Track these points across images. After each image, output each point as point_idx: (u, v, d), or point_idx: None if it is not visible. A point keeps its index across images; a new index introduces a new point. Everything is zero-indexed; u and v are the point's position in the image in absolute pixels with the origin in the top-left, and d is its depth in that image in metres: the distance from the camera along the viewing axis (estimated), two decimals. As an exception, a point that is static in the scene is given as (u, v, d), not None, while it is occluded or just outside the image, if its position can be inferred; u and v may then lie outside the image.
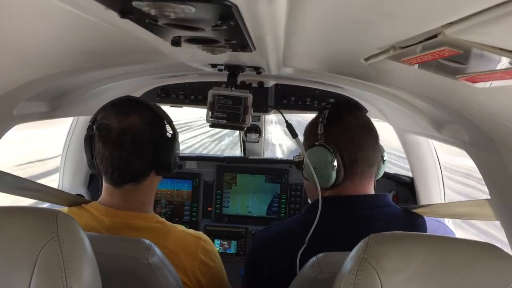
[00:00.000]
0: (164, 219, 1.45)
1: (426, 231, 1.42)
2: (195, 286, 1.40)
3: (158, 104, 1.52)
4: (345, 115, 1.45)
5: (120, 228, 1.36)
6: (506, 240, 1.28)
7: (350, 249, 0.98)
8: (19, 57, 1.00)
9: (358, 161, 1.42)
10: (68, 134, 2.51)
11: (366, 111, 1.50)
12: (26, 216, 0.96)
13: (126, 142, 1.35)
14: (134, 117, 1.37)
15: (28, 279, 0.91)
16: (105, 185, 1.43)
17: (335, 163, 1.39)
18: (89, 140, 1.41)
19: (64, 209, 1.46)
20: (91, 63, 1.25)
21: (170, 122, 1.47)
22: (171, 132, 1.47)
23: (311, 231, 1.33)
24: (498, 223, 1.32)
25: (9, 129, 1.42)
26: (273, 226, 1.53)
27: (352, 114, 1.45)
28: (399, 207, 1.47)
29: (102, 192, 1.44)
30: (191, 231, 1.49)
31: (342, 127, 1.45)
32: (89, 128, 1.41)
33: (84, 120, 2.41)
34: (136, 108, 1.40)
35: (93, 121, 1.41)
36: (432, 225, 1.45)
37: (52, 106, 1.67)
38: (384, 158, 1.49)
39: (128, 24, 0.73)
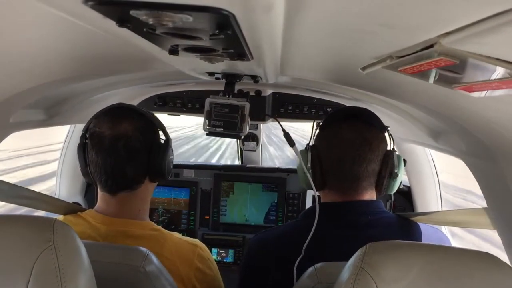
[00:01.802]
0: (160, 227, 1.45)
1: (421, 237, 1.42)
2: None
3: (154, 112, 1.52)
4: (336, 124, 1.46)
5: (116, 236, 1.35)
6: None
7: (346, 256, 0.98)
8: (16, 65, 1.00)
9: (335, 171, 1.42)
10: (65, 142, 2.50)
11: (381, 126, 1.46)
12: (22, 224, 0.96)
13: (119, 150, 1.35)
14: (126, 124, 1.37)
15: (24, 287, 0.91)
16: (100, 193, 1.42)
17: (309, 167, 1.43)
18: (82, 149, 1.41)
19: (60, 217, 1.45)
20: (88, 71, 1.25)
21: (163, 129, 1.47)
22: (164, 138, 1.47)
23: (307, 240, 1.33)
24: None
25: (6, 137, 1.42)
26: (269, 231, 1.53)
27: (345, 125, 1.43)
28: (393, 214, 1.47)
29: (98, 200, 1.44)
30: (188, 238, 1.48)
31: (327, 134, 1.47)
32: (82, 137, 1.42)
33: (81, 128, 2.40)
34: (128, 115, 1.40)
35: (86, 129, 1.41)
36: (427, 231, 1.45)
37: (49, 114, 1.67)
38: (398, 173, 1.44)
39: (125, 33, 0.73)
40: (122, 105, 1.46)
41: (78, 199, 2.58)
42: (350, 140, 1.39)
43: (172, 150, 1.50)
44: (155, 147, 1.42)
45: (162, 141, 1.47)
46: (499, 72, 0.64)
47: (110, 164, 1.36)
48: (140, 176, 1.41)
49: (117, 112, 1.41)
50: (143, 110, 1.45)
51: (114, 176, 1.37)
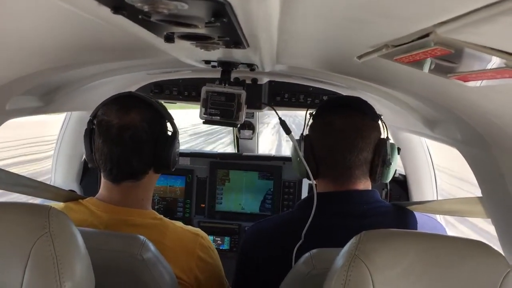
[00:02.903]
0: (162, 216, 1.45)
1: (416, 226, 1.43)
2: (193, 283, 1.41)
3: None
4: (328, 113, 1.47)
5: (118, 224, 1.36)
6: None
7: (341, 244, 0.99)
8: (12, 52, 0.99)
9: (327, 160, 1.43)
10: (61, 130, 2.50)
11: (376, 115, 1.47)
12: (18, 212, 0.96)
13: (125, 140, 1.35)
14: (134, 115, 1.37)
15: (21, 274, 0.91)
16: (103, 181, 1.42)
17: (302, 156, 1.44)
18: (89, 135, 1.41)
19: (61, 204, 1.45)
20: (84, 58, 1.24)
21: (170, 120, 1.47)
22: (172, 130, 1.47)
23: (306, 226, 1.34)
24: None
25: (1, 124, 1.41)
26: (266, 221, 1.54)
27: (337, 114, 1.44)
28: (389, 203, 1.48)
29: (101, 188, 1.44)
30: (189, 227, 1.49)
31: (319, 124, 1.48)
32: (90, 122, 1.41)
33: (77, 116, 2.40)
34: (137, 105, 1.39)
35: (94, 115, 1.40)
36: (422, 220, 1.47)
37: (45, 101, 1.66)
38: (391, 161, 1.45)
39: (121, 20, 0.73)
40: (132, 93, 1.45)
41: (74, 186, 2.58)
42: (342, 128, 1.40)
43: (179, 143, 1.50)
44: (162, 139, 1.42)
45: (170, 133, 1.46)
46: (494, 62, 0.64)
47: (116, 153, 1.35)
48: (145, 167, 1.41)
49: (126, 101, 1.40)
50: (152, 99, 1.44)
51: (119, 165, 1.37)
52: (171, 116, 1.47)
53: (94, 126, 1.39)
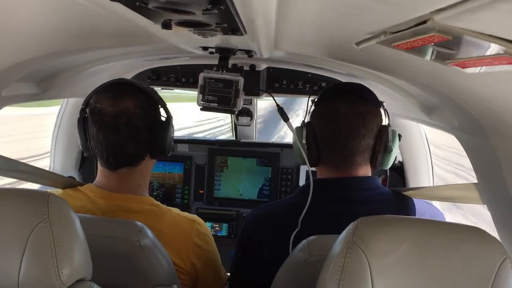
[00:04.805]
0: (159, 202, 1.46)
1: (415, 213, 1.44)
2: (190, 269, 1.42)
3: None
4: (330, 99, 1.47)
5: (115, 210, 1.36)
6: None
7: (342, 231, 0.99)
8: (8, 38, 0.99)
9: (329, 146, 1.44)
10: (58, 116, 2.49)
11: (377, 102, 1.47)
12: (17, 198, 0.96)
13: (120, 127, 1.34)
14: (128, 101, 1.36)
15: (19, 260, 0.92)
16: (100, 168, 1.42)
17: (304, 143, 1.45)
18: (82, 123, 1.40)
19: (59, 191, 1.45)
20: (81, 45, 1.23)
21: (164, 106, 1.46)
22: (165, 115, 1.47)
23: (303, 213, 1.35)
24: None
25: None
26: (266, 206, 1.55)
27: (339, 100, 1.44)
28: (388, 189, 1.49)
29: (98, 175, 1.44)
30: (186, 214, 1.49)
31: (321, 110, 1.49)
32: (82, 111, 1.40)
33: (74, 102, 2.39)
34: (129, 91, 1.39)
35: (86, 104, 1.39)
36: (421, 207, 1.47)
37: (42, 88, 1.65)
38: (392, 148, 1.45)
39: (118, 7, 0.72)
40: (123, 80, 1.44)
41: (73, 173, 2.58)
42: (344, 115, 1.40)
43: (173, 127, 1.50)
44: (157, 125, 1.42)
45: (163, 118, 1.46)
46: (492, 48, 0.64)
47: (111, 141, 1.35)
48: (141, 153, 1.41)
49: (118, 88, 1.40)
50: (144, 86, 1.44)
51: (115, 153, 1.37)
52: (164, 102, 1.46)
53: (86, 115, 1.39)
